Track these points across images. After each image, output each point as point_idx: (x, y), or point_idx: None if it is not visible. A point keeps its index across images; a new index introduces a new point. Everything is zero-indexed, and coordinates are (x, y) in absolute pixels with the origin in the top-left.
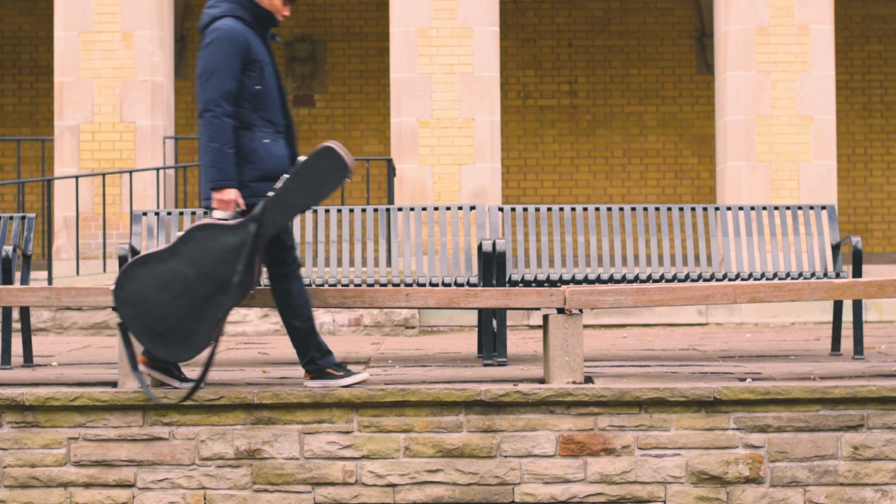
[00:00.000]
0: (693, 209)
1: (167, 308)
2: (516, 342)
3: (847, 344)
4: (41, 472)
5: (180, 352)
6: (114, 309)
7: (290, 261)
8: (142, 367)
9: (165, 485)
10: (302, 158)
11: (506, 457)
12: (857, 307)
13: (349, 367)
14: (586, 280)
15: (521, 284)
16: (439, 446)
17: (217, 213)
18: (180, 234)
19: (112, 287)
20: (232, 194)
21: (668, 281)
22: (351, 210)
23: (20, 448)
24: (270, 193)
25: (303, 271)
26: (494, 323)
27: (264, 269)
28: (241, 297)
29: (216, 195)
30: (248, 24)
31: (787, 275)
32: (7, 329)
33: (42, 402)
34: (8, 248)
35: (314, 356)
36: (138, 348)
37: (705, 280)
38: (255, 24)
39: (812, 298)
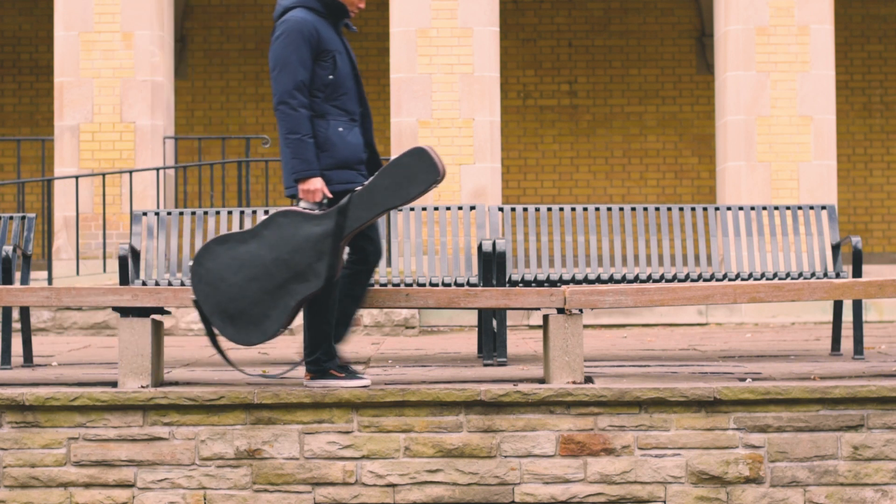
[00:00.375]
0: (693, 209)
1: (241, 290)
2: (516, 342)
3: (847, 344)
4: (41, 472)
5: (249, 335)
6: (192, 286)
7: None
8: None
9: (165, 485)
10: (393, 157)
11: (506, 457)
12: (857, 307)
13: (351, 369)
14: (586, 280)
15: (521, 284)
16: (439, 446)
17: (303, 204)
18: (264, 217)
19: (190, 263)
20: (317, 183)
21: (668, 281)
22: None
23: (20, 448)
24: (358, 188)
25: None
26: (494, 323)
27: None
28: (316, 287)
29: (301, 186)
30: (320, 14)
31: (787, 275)
32: (7, 329)
33: (42, 402)
34: (8, 248)
35: (320, 357)
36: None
37: (705, 280)
38: (326, 14)
39: (812, 298)
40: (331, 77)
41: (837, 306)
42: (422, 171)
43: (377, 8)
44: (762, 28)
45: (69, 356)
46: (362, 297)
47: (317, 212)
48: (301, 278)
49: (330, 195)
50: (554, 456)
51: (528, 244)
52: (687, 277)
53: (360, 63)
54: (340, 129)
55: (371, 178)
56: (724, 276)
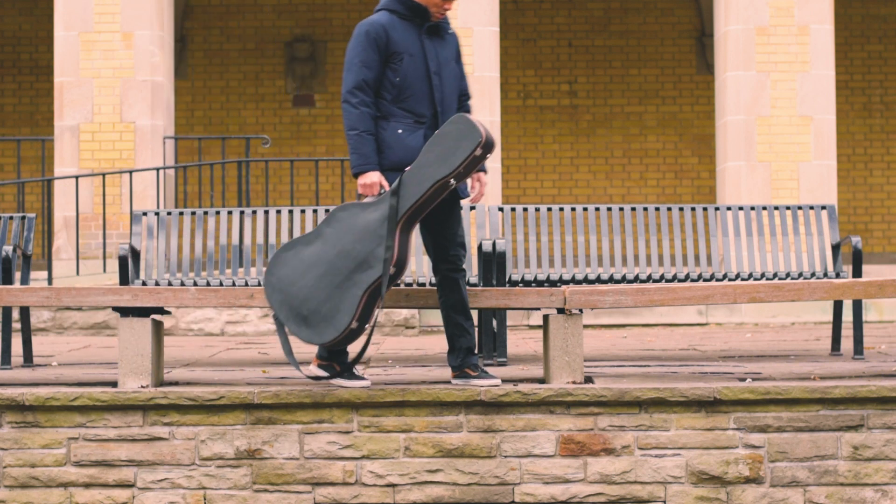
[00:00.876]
0: (693, 209)
1: (311, 290)
2: (516, 342)
3: (847, 344)
4: (41, 472)
5: (323, 332)
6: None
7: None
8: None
9: (165, 485)
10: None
11: (506, 457)
12: (857, 307)
13: (355, 370)
14: (586, 280)
15: (521, 284)
16: (439, 446)
17: (365, 200)
18: (325, 217)
19: (263, 274)
20: (374, 177)
21: (668, 281)
22: None
23: (20, 448)
24: (408, 168)
25: None
26: (494, 323)
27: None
28: (381, 273)
29: (359, 180)
30: (402, 16)
31: (787, 275)
32: (7, 329)
33: (42, 402)
34: (8, 248)
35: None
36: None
37: (705, 280)
38: (410, 16)
39: (812, 298)
40: (398, 79)
41: (837, 306)
42: (464, 137)
43: None
44: (762, 28)
45: (69, 356)
46: (456, 303)
47: (372, 199)
48: (365, 266)
49: (388, 188)
50: (554, 456)
51: (528, 244)
52: (687, 277)
53: None
54: (400, 130)
55: (419, 155)
56: (724, 276)
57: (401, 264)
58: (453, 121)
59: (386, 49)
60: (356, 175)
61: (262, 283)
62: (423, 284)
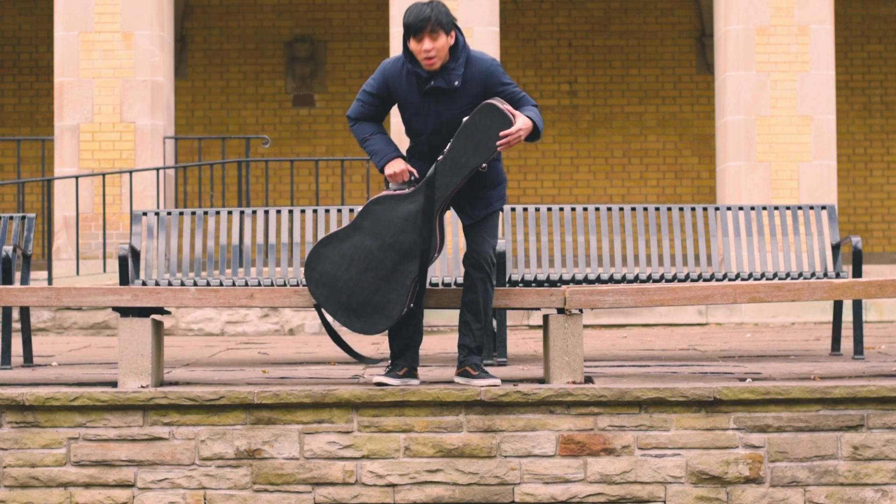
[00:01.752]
0: (693, 209)
1: (357, 283)
2: (516, 342)
3: (847, 344)
4: (41, 472)
5: (376, 323)
6: (311, 291)
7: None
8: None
9: (165, 485)
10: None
11: (506, 457)
12: (857, 307)
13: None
14: (586, 280)
15: (521, 284)
16: (439, 446)
17: (392, 186)
18: (360, 209)
19: (303, 270)
20: (400, 164)
21: (668, 281)
22: (351, 210)
23: (20, 448)
24: (440, 157)
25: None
26: (494, 323)
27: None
28: (425, 262)
29: (386, 171)
30: (411, 69)
31: (787, 275)
32: (7, 329)
33: (42, 402)
34: (8, 248)
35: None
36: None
37: (705, 280)
38: (416, 72)
39: (812, 298)
40: (407, 127)
41: (837, 306)
42: (495, 123)
43: (377, 8)
44: (762, 28)
45: (69, 356)
46: (470, 302)
47: (406, 191)
48: (410, 257)
49: (416, 174)
50: (554, 456)
51: (528, 244)
52: (687, 277)
53: (360, 63)
54: (414, 158)
55: (449, 145)
56: (724, 276)
57: (437, 249)
58: (482, 110)
59: (390, 99)
60: (381, 169)
61: (303, 279)
62: None
